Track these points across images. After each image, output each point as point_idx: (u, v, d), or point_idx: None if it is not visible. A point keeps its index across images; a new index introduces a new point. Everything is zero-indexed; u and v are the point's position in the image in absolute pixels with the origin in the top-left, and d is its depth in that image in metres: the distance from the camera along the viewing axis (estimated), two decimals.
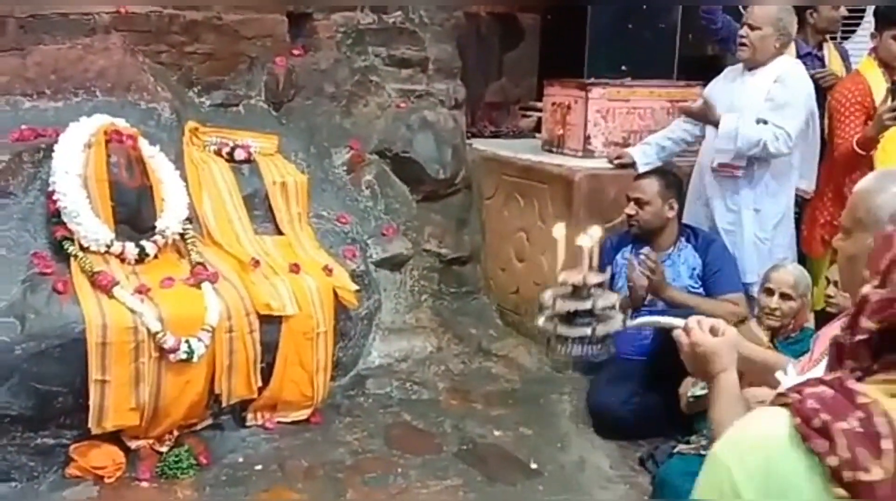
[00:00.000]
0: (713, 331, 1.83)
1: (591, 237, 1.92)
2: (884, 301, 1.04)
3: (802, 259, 4.29)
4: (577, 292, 1.87)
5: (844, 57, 4.81)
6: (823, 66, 4.58)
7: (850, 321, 1.08)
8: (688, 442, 3.49)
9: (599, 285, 1.88)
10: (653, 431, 3.76)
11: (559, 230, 1.98)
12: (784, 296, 3.44)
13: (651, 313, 3.92)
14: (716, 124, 4.06)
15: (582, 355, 1.88)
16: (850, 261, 1.74)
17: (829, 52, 4.65)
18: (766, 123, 4.00)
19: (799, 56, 4.56)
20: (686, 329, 1.85)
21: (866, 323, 1.05)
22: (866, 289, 1.08)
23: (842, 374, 1.06)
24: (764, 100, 4.03)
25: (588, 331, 1.85)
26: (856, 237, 1.71)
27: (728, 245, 4.11)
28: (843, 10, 4.67)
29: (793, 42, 4.53)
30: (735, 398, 1.76)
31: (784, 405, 1.04)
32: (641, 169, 4.34)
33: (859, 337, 1.05)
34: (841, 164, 4.19)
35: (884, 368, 1.04)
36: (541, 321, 1.92)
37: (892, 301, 1.04)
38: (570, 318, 1.86)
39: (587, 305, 1.85)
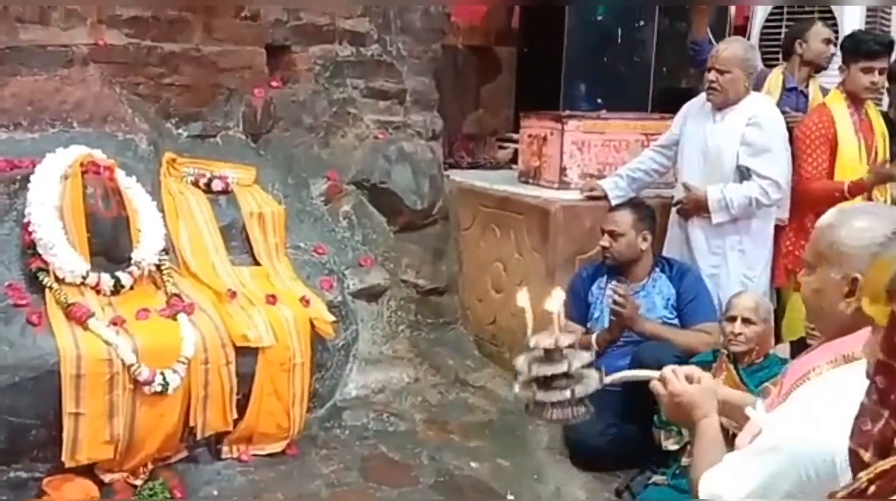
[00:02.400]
0: (689, 379, 1.86)
1: (556, 301, 1.90)
2: None
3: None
4: (550, 355, 1.85)
5: (825, 94, 4.83)
6: (807, 102, 4.63)
7: None
8: (663, 473, 3.51)
9: (571, 345, 1.86)
10: (629, 462, 3.76)
11: (523, 298, 1.95)
12: (746, 321, 3.48)
13: (627, 344, 3.96)
14: (705, 207, 4.11)
15: (563, 418, 1.86)
16: (815, 295, 1.77)
17: (815, 89, 4.69)
18: (747, 170, 4.05)
19: (785, 90, 4.63)
20: (662, 380, 1.87)
21: None
22: None
23: None
24: (740, 144, 4.07)
25: (567, 394, 1.83)
26: (819, 272, 1.75)
27: (714, 289, 4.13)
28: (831, 48, 4.69)
29: (780, 75, 4.61)
30: (717, 442, 1.78)
31: None
32: (613, 201, 4.39)
33: None
34: (804, 196, 4.24)
35: None
36: (517, 388, 1.89)
37: None
38: (546, 382, 1.84)
39: (562, 367, 1.83)
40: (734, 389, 3.41)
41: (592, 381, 1.88)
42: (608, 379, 1.93)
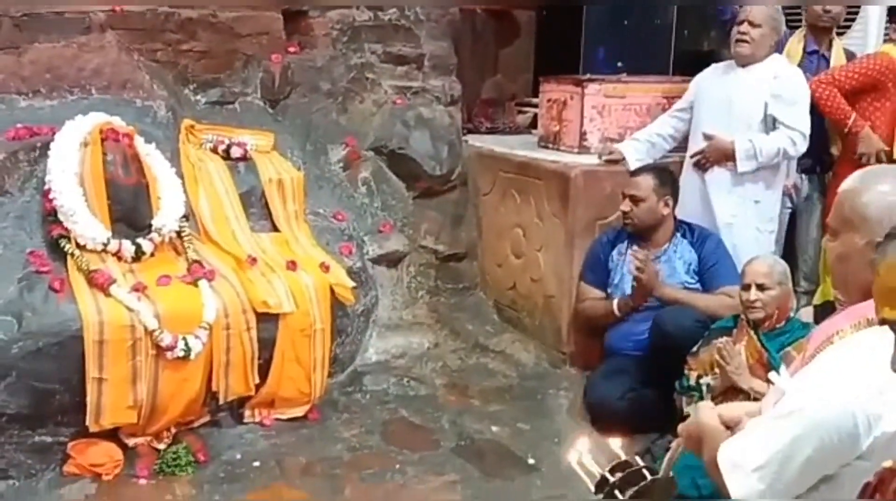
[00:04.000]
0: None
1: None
2: None
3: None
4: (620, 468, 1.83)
5: (851, 58, 4.78)
6: (828, 65, 4.59)
7: None
8: None
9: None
10: (649, 426, 3.76)
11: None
12: (760, 287, 3.45)
13: (648, 309, 3.95)
14: (731, 157, 4.11)
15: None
16: (840, 260, 1.74)
17: (837, 52, 4.66)
18: (774, 121, 4.06)
19: (806, 53, 4.60)
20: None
21: None
22: None
23: None
24: (768, 95, 4.09)
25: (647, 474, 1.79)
26: (844, 237, 1.72)
27: (729, 238, 4.15)
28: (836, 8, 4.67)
29: (801, 39, 4.60)
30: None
31: None
32: (632, 165, 4.37)
33: None
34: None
35: None
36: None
37: None
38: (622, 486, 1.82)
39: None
40: (755, 355, 3.42)
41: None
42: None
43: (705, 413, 1.80)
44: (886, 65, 4.32)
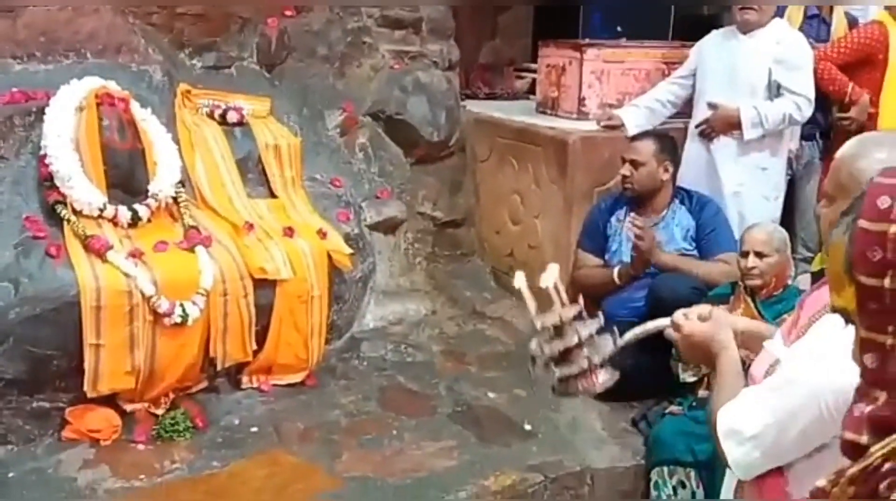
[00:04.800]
0: (701, 318, 1.84)
1: (550, 276, 1.88)
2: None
3: None
4: (559, 330, 1.82)
5: (854, 24, 4.76)
6: (829, 30, 4.57)
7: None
8: (679, 404, 3.53)
9: (577, 316, 1.84)
10: (645, 392, 3.78)
11: (520, 280, 1.94)
12: (759, 254, 3.45)
13: (645, 276, 3.95)
14: (737, 125, 4.09)
15: (589, 387, 1.84)
16: (833, 227, 1.73)
17: (839, 17, 4.64)
18: (779, 87, 4.04)
19: (806, 17, 4.58)
20: (675, 325, 1.86)
21: None
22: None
23: None
24: (772, 61, 4.07)
25: (584, 364, 1.81)
26: (838, 204, 1.70)
27: (736, 207, 4.16)
28: None
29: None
30: (737, 376, 1.77)
31: None
32: (631, 131, 4.35)
33: None
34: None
35: None
36: (538, 371, 1.87)
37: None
38: (563, 358, 1.83)
39: (573, 340, 1.81)
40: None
41: (607, 345, 1.86)
42: (622, 341, 1.90)
43: (724, 330, 1.80)
44: (878, 36, 4.32)
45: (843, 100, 4.33)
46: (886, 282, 0.95)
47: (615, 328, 1.90)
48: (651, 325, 1.96)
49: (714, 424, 1.69)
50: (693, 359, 1.90)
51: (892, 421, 0.95)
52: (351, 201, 4.43)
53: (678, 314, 1.88)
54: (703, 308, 1.88)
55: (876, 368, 0.99)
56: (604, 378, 1.84)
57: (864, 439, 0.97)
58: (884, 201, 0.95)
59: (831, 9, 4.61)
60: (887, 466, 0.91)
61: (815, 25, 4.57)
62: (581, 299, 1.89)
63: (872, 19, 4.51)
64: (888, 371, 0.97)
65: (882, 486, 0.89)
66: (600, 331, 1.86)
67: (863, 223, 0.97)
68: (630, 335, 1.93)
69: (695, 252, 4.02)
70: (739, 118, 4.11)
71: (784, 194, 4.45)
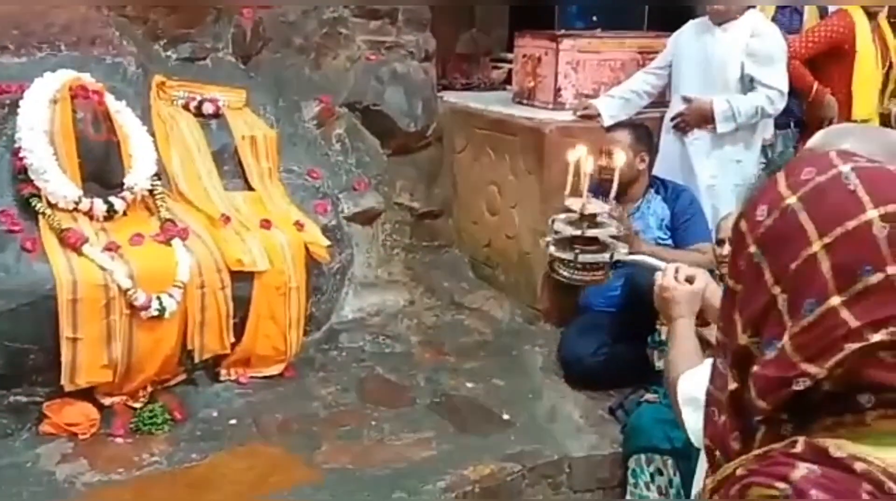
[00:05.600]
0: (688, 279, 1.89)
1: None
2: (772, 380, 0.88)
3: None
4: (581, 219, 1.99)
5: (824, 14, 4.81)
6: (801, 19, 4.61)
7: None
8: (655, 392, 3.55)
9: (596, 215, 2.01)
10: (622, 381, 3.81)
11: (575, 154, 2.10)
12: None
13: (622, 265, 3.96)
14: (710, 119, 4.11)
15: (579, 277, 2.03)
16: None
17: (811, 8, 4.69)
18: (752, 80, 4.07)
19: (779, 8, 4.60)
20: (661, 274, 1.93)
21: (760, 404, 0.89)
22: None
23: (790, 434, 0.89)
24: (744, 54, 4.10)
25: (576, 256, 1.99)
26: None
27: (710, 199, 4.18)
28: None
29: None
30: (690, 344, 1.83)
31: (769, 497, 0.84)
32: (607, 122, 4.37)
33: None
34: None
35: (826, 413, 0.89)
36: (550, 246, 2.05)
37: (784, 380, 0.87)
38: (574, 242, 2.00)
39: (581, 232, 1.99)
40: None
41: (608, 252, 2.03)
42: (618, 256, 2.05)
43: (692, 303, 1.89)
44: (844, 27, 4.38)
45: (808, 99, 4.39)
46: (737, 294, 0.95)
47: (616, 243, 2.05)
48: (648, 261, 2.14)
49: (672, 386, 1.73)
50: (658, 308, 1.97)
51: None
52: (328, 193, 4.42)
53: (671, 267, 1.94)
54: (698, 273, 1.93)
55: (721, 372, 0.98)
56: (597, 277, 2.05)
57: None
58: (761, 212, 0.92)
59: None
60: (714, 499, 0.91)
61: (788, 15, 4.61)
62: (611, 200, 2.14)
63: (840, 9, 4.55)
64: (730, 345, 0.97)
65: (733, 490, 0.89)
66: (615, 237, 2.06)
67: (741, 225, 0.94)
68: (628, 257, 2.13)
69: (670, 241, 4.05)
70: (713, 112, 4.13)
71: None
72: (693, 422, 1.67)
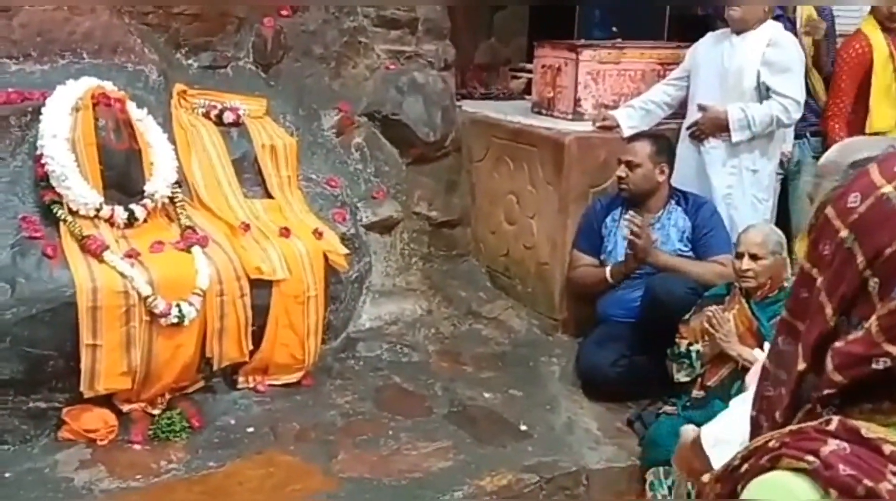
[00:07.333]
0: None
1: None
2: (855, 357, 0.91)
3: None
4: None
5: (826, 19, 4.73)
6: (794, 29, 4.58)
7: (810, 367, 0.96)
8: (674, 404, 3.54)
9: None
10: (640, 392, 3.80)
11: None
12: (753, 257, 3.46)
13: (640, 275, 3.96)
14: (726, 128, 4.09)
15: None
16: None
17: (802, 16, 4.65)
18: (767, 89, 4.06)
19: (772, 18, 4.57)
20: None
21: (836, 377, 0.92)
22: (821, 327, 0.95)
23: (828, 415, 0.91)
24: (760, 63, 4.09)
25: None
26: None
27: (726, 209, 4.16)
28: None
29: None
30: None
31: (798, 470, 0.88)
32: (626, 132, 4.36)
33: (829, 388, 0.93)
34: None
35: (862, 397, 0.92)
36: None
37: (866, 358, 0.90)
38: None
39: None
40: (746, 323, 3.44)
41: None
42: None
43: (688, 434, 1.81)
44: (862, 52, 4.38)
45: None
46: (819, 279, 0.96)
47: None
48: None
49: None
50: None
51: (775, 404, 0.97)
52: (347, 201, 4.43)
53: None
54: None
55: (785, 350, 1.01)
56: None
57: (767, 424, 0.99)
58: (853, 199, 0.94)
59: (794, 9, 4.63)
60: (745, 467, 0.94)
61: (781, 24, 4.58)
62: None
63: (856, 32, 4.53)
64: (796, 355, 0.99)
65: (739, 487, 0.93)
66: None
67: (829, 212, 0.97)
68: None
69: (690, 253, 4.03)
70: (728, 120, 4.11)
71: (777, 196, 4.46)
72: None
